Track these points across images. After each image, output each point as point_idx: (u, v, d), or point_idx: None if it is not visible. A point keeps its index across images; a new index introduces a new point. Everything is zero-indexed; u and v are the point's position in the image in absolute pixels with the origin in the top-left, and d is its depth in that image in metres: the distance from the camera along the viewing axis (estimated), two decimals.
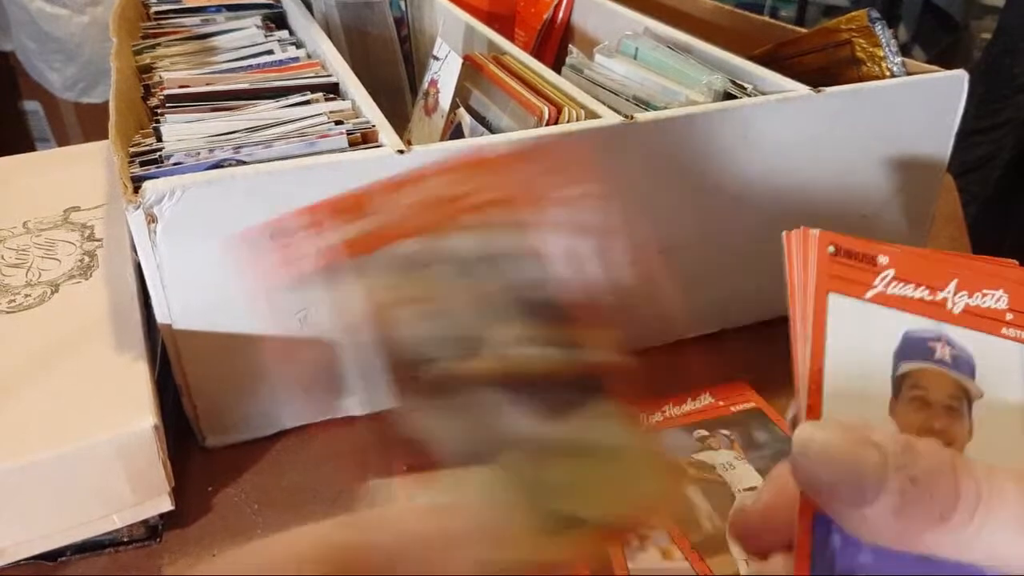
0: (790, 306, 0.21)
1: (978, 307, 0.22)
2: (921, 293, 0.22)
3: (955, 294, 0.22)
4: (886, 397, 0.21)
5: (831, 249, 0.21)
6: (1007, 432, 0.21)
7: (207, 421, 0.44)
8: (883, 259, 0.22)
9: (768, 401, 0.47)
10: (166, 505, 0.39)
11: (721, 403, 0.47)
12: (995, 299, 0.22)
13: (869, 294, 0.21)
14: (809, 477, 0.18)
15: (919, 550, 0.17)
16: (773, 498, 0.21)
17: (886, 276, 0.22)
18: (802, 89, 0.49)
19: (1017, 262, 0.23)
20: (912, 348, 0.21)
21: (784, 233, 0.22)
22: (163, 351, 0.43)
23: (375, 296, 0.22)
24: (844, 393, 0.20)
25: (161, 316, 0.40)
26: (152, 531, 0.40)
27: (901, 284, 0.22)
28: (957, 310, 0.22)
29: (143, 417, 0.38)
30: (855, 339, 0.21)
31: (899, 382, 0.21)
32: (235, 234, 0.22)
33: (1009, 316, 0.22)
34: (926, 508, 0.17)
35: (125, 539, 0.39)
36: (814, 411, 0.20)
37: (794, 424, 0.21)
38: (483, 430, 0.20)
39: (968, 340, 0.22)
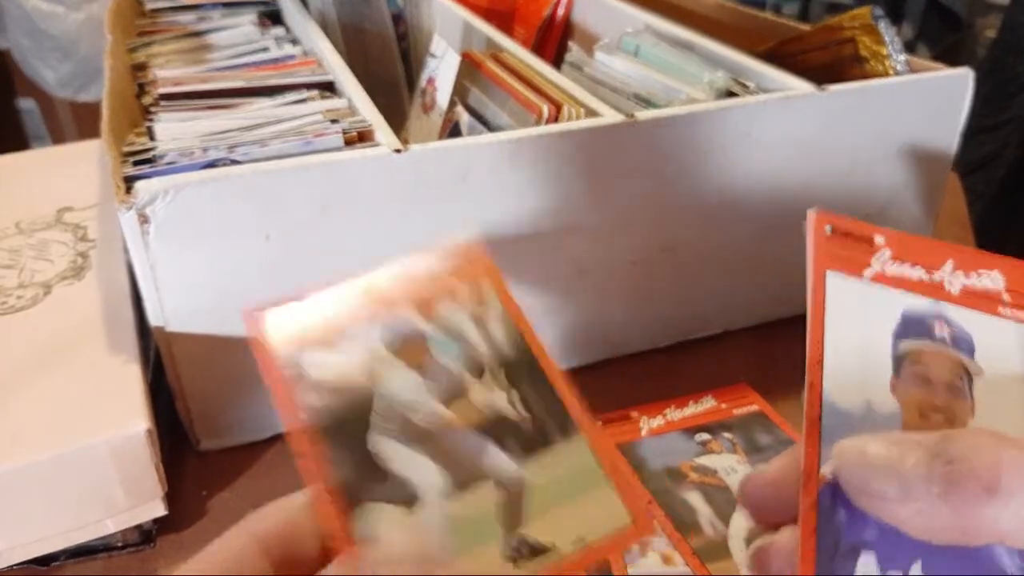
0: (808, 288, 0.22)
1: (974, 287, 0.22)
2: (919, 273, 0.22)
3: (951, 274, 0.22)
4: (887, 375, 0.21)
5: (828, 228, 0.22)
6: (1008, 410, 0.21)
7: (201, 424, 0.44)
8: (880, 239, 0.22)
9: (771, 403, 0.46)
10: (160, 510, 0.39)
11: (723, 406, 0.46)
12: (992, 279, 0.22)
13: (868, 273, 0.22)
14: (858, 486, 0.18)
15: (988, 538, 0.17)
16: (785, 466, 0.21)
17: (883, 255, 0.22)
18: (805, 87, 0.48)
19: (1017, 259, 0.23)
20: (912, 326, 0.22)
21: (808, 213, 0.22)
22: (157, 353, 0.43)
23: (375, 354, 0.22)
24: (845, 370, 0.21)
25: (154, 318, 0.40)
26: (146, 536, 0.39)
27: (899, 264, 0.22)
28: (954, 290, 0.22)
29: (136, 421, 0.37)
30: (855, 317, 0.21)
31: (899, 360, 0.21)
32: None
33: (1006, 296, 0.22)
34: (969, 484, 0.17)
35: (119, 544, 0.39)
36: (815, 389, 0.20)
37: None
38: (462, 467, 0.21)
39: (966, 319, 0.22)
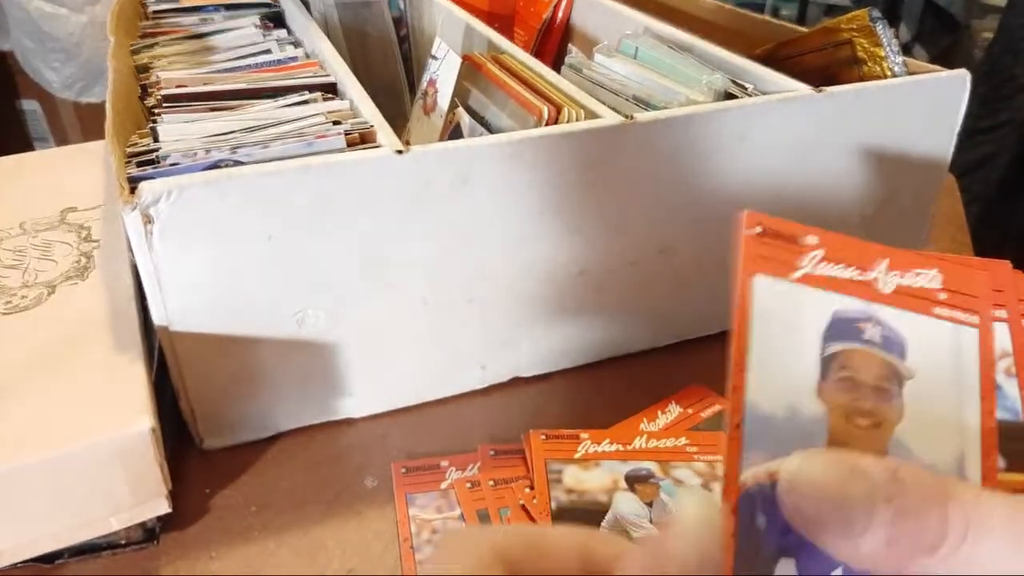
0: (735, 290, 0.21)
1: (909, 287, 0.21)
2: (851, 273, 0.21)
3: (886, 274, 0.21)
4: (814, 378, 0.20)
5: (758, 230, 0.21)
6: (939, 413, 0.21)
7: (205, 423, 0.44)
8: (811, 239, 0.21)
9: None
10: (163, 507, 0.39)
11: (689, 411, 0.46)
12: (928, 279, 0.21)
13: (796, 275, 0.21)
14: (796, 511, 0.18)
15: (910, 573, 0.17)
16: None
17: (815, 256, 0.21)
18: (803, 89, 0.48)
19: (1010, 262, 0.23)
20: (841, 328, 0.21)
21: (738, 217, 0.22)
22: (160, 352, 0.43)
23: None
24: (770, 374, 0.20)
25: (158, 318, 0.40)
26: (150, 534, 0.39)
27: (830, 264, 0.21)
28: (887, 290, 0.21)
29: (140, 419, 0.37)
30: (782, 320, 0.20)
31: (827, 363, 0.21)
32: None
33: (942, 296, 0.21)
34: (915, 540, 0.17)
35: (123, 542, 0.39)
36: (738, 393, 0.20)
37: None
38: None
39: (899, 320, 0.21)
